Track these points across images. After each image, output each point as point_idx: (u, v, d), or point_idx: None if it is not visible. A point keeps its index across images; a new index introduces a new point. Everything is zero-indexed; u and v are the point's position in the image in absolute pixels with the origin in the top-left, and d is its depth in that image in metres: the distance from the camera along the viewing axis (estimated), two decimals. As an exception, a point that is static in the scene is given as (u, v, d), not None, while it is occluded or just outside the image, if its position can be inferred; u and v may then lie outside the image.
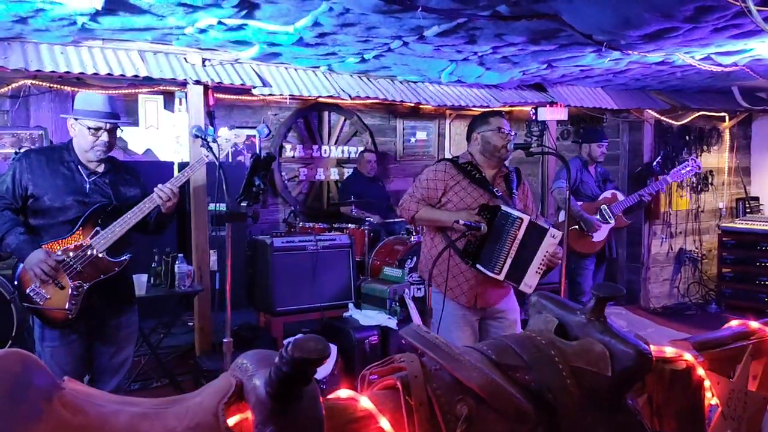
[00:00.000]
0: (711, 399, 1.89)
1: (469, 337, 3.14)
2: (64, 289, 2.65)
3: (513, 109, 6.17)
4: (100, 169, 2.83)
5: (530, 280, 2.97)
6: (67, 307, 2.65)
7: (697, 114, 6.83)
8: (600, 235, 5.07)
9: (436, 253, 3.06)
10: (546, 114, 5.76)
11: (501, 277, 2.97)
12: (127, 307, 2.97)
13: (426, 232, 3.34)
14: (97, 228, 2.71)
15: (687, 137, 7.04)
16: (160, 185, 2.80)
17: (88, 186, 2.78)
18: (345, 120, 6.72)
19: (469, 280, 3.11)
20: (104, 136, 2.75)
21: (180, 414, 1.04)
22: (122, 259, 2.78)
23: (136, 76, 4.17)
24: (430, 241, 3.24)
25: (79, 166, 2.79)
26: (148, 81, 4.38)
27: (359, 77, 5.33)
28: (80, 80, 4.89)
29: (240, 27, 3.69)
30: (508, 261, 2.95)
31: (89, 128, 2.73)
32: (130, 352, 3.00)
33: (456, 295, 3.13)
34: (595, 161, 5.37)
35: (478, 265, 3.02)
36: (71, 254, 2.66)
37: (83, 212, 2.71)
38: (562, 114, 5.82)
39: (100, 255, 2.70)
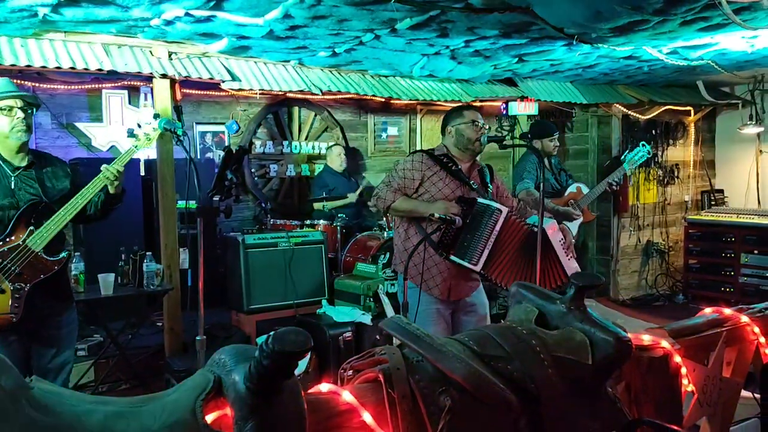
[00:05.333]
0: (687, 386, 1.91)
1: (443, 330, 3.15)
2: (5, 293, 2.54)
3: (484, 103, 6.19)
4: (24, 162, 2.72)
5: (570, 271, 3.05)
6: (10, 311, 2.54)
7: (664, 108, 6.96)
8: (573, 230, 5.08)
9: (410, 246, 3.08)
10: (517, 108, 5.79)
11: (478, 267, 2.99)
12: (66, 305, 2.85)
13: (398, 225, 3.30)
14: (31, 227, 2.61)
15: (654, 131, 7.16)
16: (105, 165, 2.70)
17: (13, 182, 2.66)
18: (315, 116, 6.66)
19: (443, 272, 3.12)
20: (19, 113, 2.64)
21: (156, 412, 1.00)
22: (61, 257, 2.69)
23: (100, 70, 4.06)
24: (404, 233, 3.22)
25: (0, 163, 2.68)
26: (113, 75, 4.26)
27: (330, 71, 5.28)
28: (41, 75, 4.75)
29: (208, 19, 3.62)
30: (486, 251, 2.98)
31: (1, 110, 2.61)
32: (71, 353, 2.90)
33: (429, 288, 3.14)
34: (550, 156, 5.32)
35: (453, 257, 3.02)
36: (7, 257, 2.55)
37: (13, 213, 2.61)
38: (532, 108, 5.86)
39: (38, 254, 2.60)
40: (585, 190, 5.35)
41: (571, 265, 3.10)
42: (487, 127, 3.27)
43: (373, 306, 4.54)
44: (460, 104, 3.52)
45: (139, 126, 2.83)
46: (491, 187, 3.23)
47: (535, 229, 3.01)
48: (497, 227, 2.97)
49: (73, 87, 5.21)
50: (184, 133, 2.76)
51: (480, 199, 3.04)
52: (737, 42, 4.42)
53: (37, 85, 4.89)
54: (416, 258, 3.07)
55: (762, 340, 2.12)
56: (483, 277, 3.17)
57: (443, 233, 3.03)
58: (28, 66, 3.88)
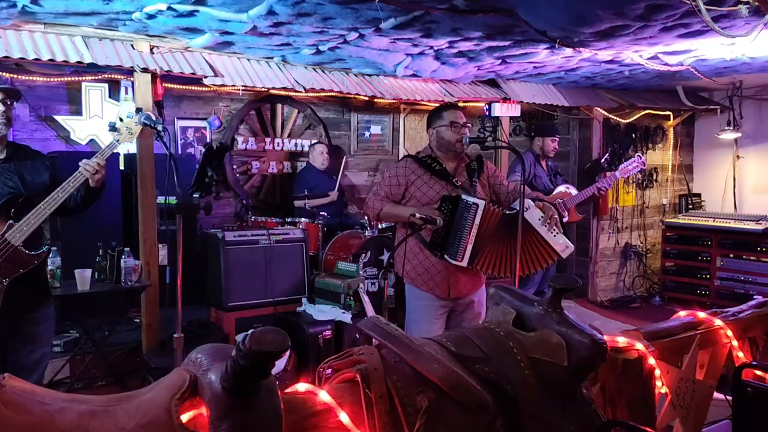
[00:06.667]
0: (661, 388, 1.94)
1: (438, 329, 3.19)
2: None
3: (467, 104, 6.21)
4: (2, 155, 2.70)
5: (559, 246, 3.08)
6: None
7: (644, 112, 7.03)
8: None
9: (407, 250, 3.15)
10: (499, 110, 5.82)
11: (464, 263, 3.03)
12: (44, 300, 2.83)
13: (398, 230, 3.39)
14: (10, 221, 2.58)
15: (633, 135, 7.24)
16: (84, 160, 2.68)
17: None
18: (298, 113, 6.64)
19: (441, 271, 3.17)
20: None
21: (131, 411, 1.00)
22: (41, 251, 2.66)
23: (80, 62, 4.00)
24: (401, 238, 3.26)
25: None
26: (93, 68, 4.20)
27: (314, 69, 5.26)
28: (20, 66, 4.67)
29: (191, 13, 3.59)
30: (469, 246, 3.01)
31: None
32: (48, 348, 2.87)
33: (430, 287, 3.19)
34: (547, 156, 5.47)
35: (445, 256, 3.06)
36: None
37: None
38: (515, 110, 5.89)
39: (18, 249, 2.57)
40: (573, 191, 5.44)
41: (559, 241, 3.11)
42: (469, 126, 3.29)
43: (353, 305, 4.54)
44: (442, 104, 3.51)
45: (121, 120, 2.80)
46: (477, 182, 3.25)
47: (507, 212, 3.06)
48: (476, 220, 3.01)
49: (52, 79, 5.13)
50: (164, 128, 2.73)
51: (462, 196, 3.07)
52: (716, 49, 4.49)
53: (15, 76, 4.82)
54: (414, 260, 3.19)
55: (735, 343, 2.16)
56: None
57: (434, 233, 3.07)
58: (6, 57, 3.81)
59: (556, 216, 3.16)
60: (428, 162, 3.21)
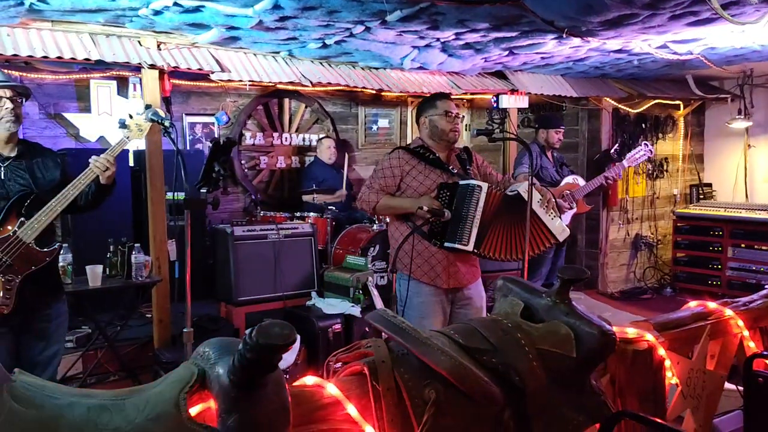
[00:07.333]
0: (671, 378, 1.93)
1: (441, 323, 3.17)
2: None
3: (475, 96, 6.20)
4: (13, 153, 2.71)
5: (556, 229, 3.11)
6: (1, 302, 2.52)
7: (653, 102, 6.97)
8: (565, 221, 5.14)
9: (406, 243, 3.10)
10: (507, 101, 5.77)
11: (470, 247, 3.01)
12: (56, 296, 2.84)
13: (390, 224, 3.34)
14: (22, 218, 2.59)
15: (643, 125, 7.18)
16: (94, 156, 2.69)
17: (2, 173, 2.65)
18: (306, 107, 6.64)
19: (441, 261, 3.14)
20: (8, 104, 2.63)
21: (140, 405, 1.00)
22: (52, 248, 2.67)
23: (88, 59, 4.02)
24: (396, 231, 3.24)
25: None
26: (101, 65, 4.22)
27: (320, 63, 5.26)
28: (28, 64, 4.70)
29: (197, 9, 3.59)
30: (474, 230, 2.99)
31: None
32: (61, 345, 2.88)
33: (432, 278, 3.15)
34: (552, 147, 5.44)
35: (446, 243, 3.04)
36: None
37: (3, 203, 2.59)
38: (523, 102, 5.83)
39: (29, 246, 2.58)
40: (581, 182, 5.41)
41: (555, 224, 3.11)
42: (462, 116, 3.28)
43: (362, 298, 4.55)
44: (434, 93, 3.49)
45: (131, 117, 2.82)
46: (470, 168, 3.24)
47: (509, 193, 3.05)
48: (480, 203, 2.99)
49: (60, 77, 5.16)
50: (172, 124, 2.73)
51: (462, 181, 3.06)
52: (726, 37, 4.44)
53: (24, 74, 4.85)
54: (413, 253, 3.13)
55: (746, 333, 2.15)
56: (478, 255, 3.17)
57: (433, 223, 3.05)
58: (15, 55, 3.83)
59: (553, 200, 3.16)
60: (421, 152, 3.19)
